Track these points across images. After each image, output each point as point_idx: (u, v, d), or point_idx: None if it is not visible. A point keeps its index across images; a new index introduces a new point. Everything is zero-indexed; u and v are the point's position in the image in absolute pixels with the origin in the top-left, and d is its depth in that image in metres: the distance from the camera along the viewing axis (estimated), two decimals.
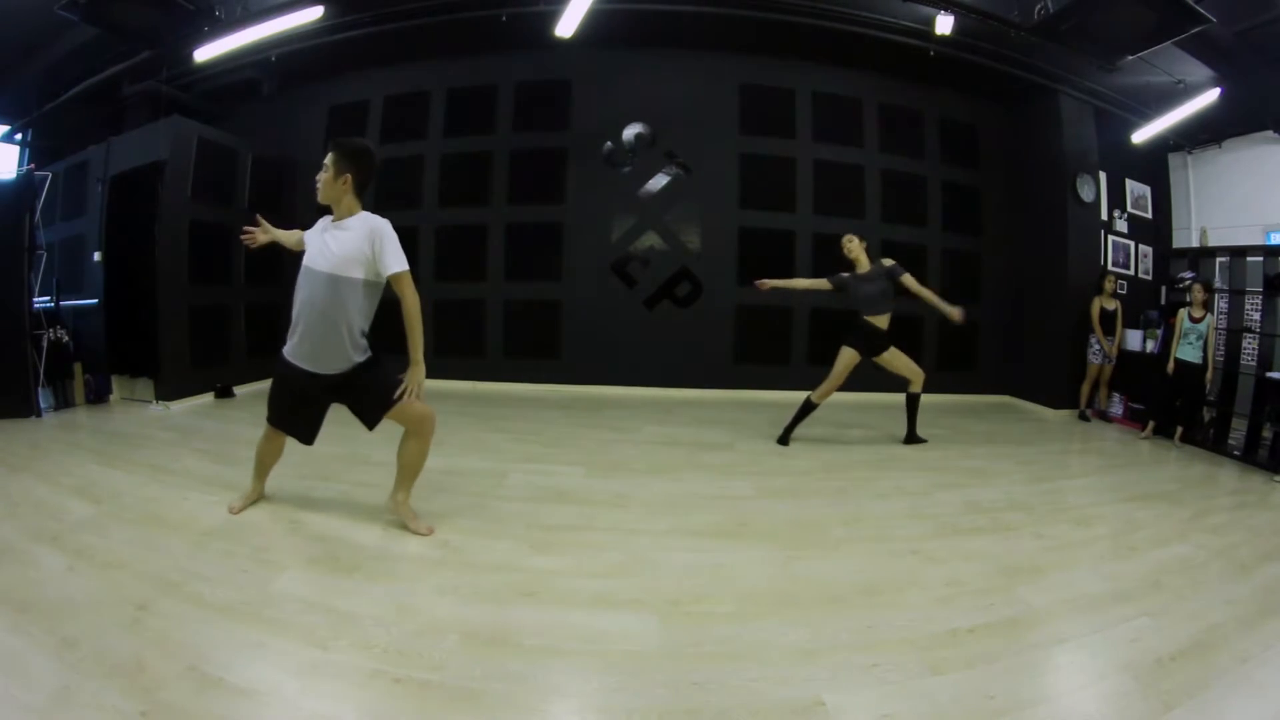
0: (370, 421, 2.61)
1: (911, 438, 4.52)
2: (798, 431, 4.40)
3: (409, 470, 2.69)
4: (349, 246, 2.39)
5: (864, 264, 4.27)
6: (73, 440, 4.02)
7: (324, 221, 2.53)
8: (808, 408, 4.36)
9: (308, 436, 2.71)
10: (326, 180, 2.42)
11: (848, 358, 4.23)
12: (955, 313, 4.09)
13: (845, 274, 4.30)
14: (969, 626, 2.05)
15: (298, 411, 2.65)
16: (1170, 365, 4.88)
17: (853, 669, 1.80)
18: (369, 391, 2.55)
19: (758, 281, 4.30)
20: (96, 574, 2.20)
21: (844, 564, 2.53)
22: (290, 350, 2.52)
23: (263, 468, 2.89)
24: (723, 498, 3.26)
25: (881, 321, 4.24)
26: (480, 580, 2.28)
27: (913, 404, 4.51)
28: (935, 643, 1.95)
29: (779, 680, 1.75)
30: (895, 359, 4.34)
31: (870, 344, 4.26)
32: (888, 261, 4.22)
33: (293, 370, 2.52)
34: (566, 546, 2.58)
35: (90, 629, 1.84)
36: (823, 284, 4.33)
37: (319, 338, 2.45)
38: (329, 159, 2.42)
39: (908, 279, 4.15)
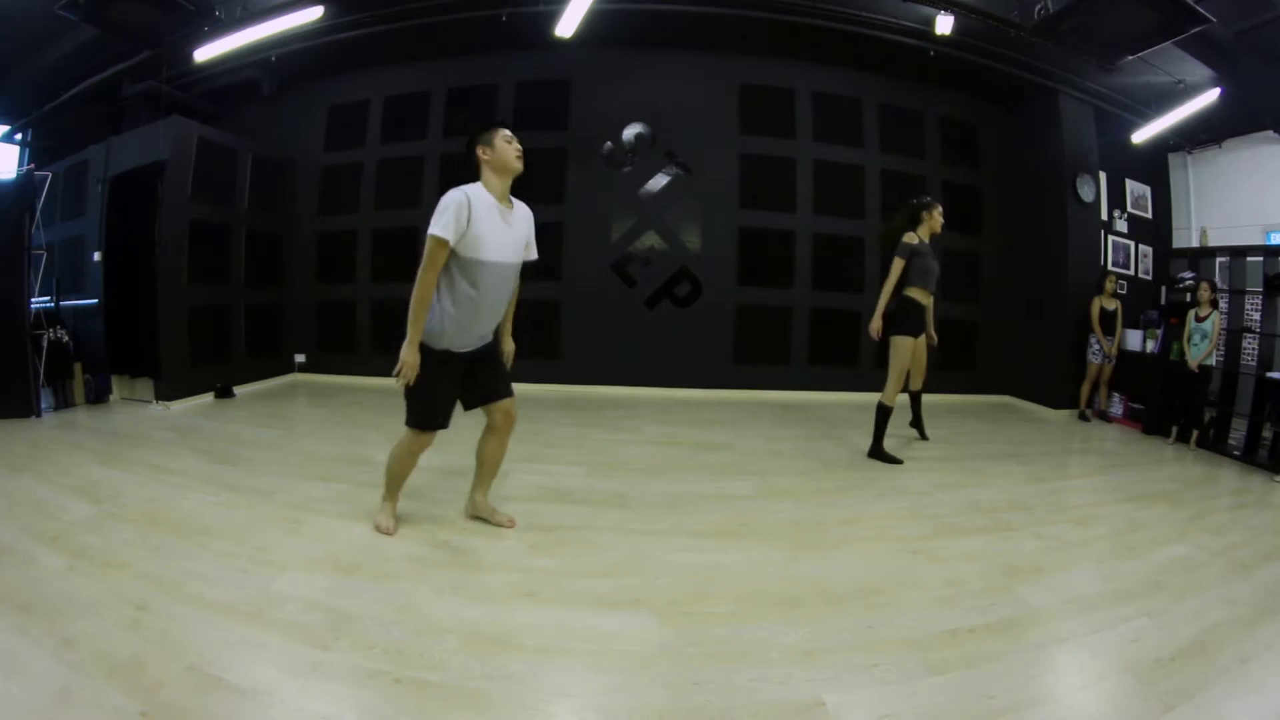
0: (498, 393, 2.58)
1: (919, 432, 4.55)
2: (797, 431, 4.36)
3: (492, 467, 2.74)
4: (524, 234, 2.52)
5: (926, 236, 3.95)
6: (73, 440, 4.01)
7: (491, 204, 2.34)
8: (885, 413, 4.03)
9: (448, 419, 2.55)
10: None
11: (911, 346, 3.95)
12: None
13: (917, 241, 3.88)
14: (969, 626, 2.05)
15: (449, 398, 2.51)
16: (1193, 364, 4.82)
17: (853, 669, 1.80)
18: (500, 366, 2.63)
19: (872, 332, 3.98)
20: (96, 574, 2.20)
21: (844, 564, 2.53)
22: (451, 341, 2.39)
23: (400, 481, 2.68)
24: (723, 498, 3.26)
25: (928, 300, 4.01)
26: (480, 580, 2.29)
27: (914, 403, 4.50)
28: (935, 643, 1.95)
29: (779, 680, 1.75)
30: (923, 348, 4.22)
31: (921, 326, 4.03)
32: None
33: (453, 357, 2.43)
34: (566, 546, 2.58)
35: (90, 629, 1.84)
36: (898, 266, 3.87)
37: (489, 318, 2.47)
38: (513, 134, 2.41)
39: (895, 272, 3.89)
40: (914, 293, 3.92)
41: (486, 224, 2.30)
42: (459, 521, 2.79)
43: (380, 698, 1.62)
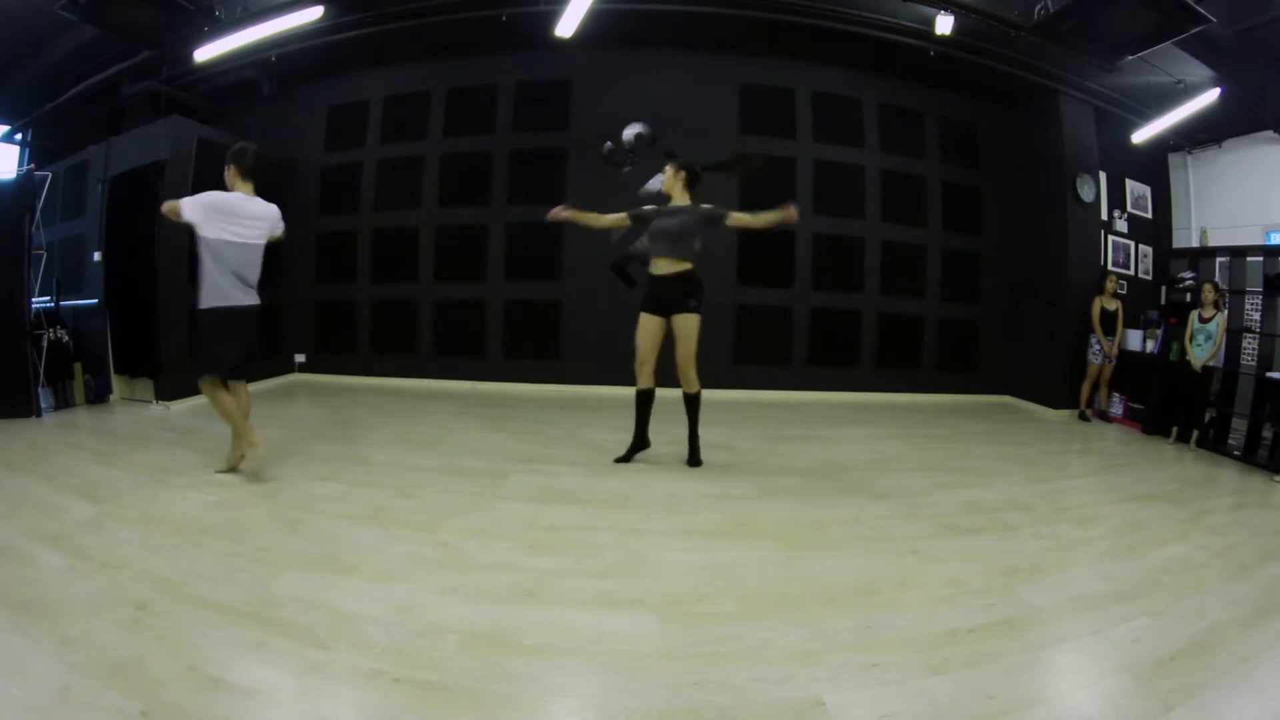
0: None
1: (694, 456, 3.81)
2: (797, 431, 4.30)
3: (245, 416, 3.44)
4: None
5: (678, 197, 3.55)
6: (73, 440, 4.01)
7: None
8: (643, 400, 3.70)
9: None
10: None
11: (644, 325, 3.55)
12: (791, 211, 3.40)
13: (650, 207, 3.60)
14: (969, 626, 2.05)
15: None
16: (1196, 364, 4.81)
17: (853, 669, 1.80)
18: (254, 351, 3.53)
19: (551, 213, 3.69)
20: (96, 574, 2.20)
21: (844, 564, 2.53)
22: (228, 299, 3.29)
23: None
24: (723, 498, 3.26)
25: (669, 267, 3.48)
26: (480, 580, 2.28)
27: (692, 408, 3.81)
28: (935, 643, 1.95)
29: (779, 680, 1.75)
30: (689, 330, 3.51)
31: (659, 299, 3.51)
32: (708, 206, 3.56)
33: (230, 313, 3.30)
34: (566, 546, 2.58)
35: (90, 629, 1.84)
36: (623, 219, 3.63)
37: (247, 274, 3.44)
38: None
39: (735, 217, 3.51)
40: (652, 264, 3.52)
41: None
42: (459, 521, 2.79)
43: (380, 698, 1.62)
